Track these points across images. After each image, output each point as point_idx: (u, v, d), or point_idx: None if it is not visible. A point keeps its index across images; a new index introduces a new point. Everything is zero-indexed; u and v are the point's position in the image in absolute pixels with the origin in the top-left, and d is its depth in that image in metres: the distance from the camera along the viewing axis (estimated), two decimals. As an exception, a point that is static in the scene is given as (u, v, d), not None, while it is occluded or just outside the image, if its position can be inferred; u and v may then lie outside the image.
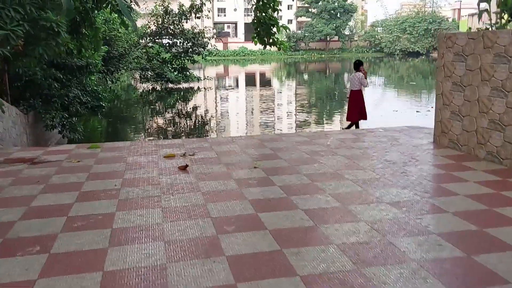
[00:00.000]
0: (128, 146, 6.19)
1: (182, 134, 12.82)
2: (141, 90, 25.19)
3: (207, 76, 30.42)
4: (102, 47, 17.68)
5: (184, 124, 14.81)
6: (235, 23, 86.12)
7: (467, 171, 4.76)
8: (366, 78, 10.12)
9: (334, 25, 76.90)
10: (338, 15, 78.26)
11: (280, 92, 25.54)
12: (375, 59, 72.03)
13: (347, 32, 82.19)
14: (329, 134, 6.97)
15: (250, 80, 36.44)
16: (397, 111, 15.46)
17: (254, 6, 11.49)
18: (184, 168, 4.95)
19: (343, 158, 5.35)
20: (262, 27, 11.32)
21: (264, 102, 21.14)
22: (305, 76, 39.35)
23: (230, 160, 5.35)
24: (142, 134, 12.94)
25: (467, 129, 5.48)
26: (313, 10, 77.74)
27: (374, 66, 57.11)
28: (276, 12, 11.50)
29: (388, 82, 31.85)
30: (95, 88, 10.35)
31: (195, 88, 26.28)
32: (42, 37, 7.22)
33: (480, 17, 6.09)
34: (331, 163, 5.15)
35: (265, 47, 11.86)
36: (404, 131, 7.14)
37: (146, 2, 32.24)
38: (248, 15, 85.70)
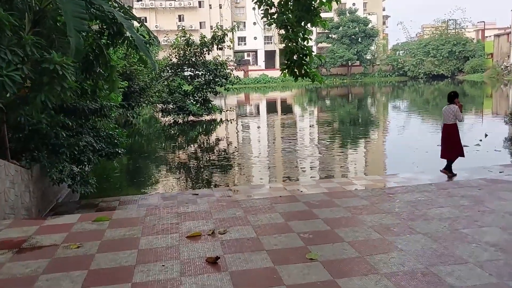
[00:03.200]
0: (142, 218, 4.95)
1: (206, 178, 11.60)
2: (162, 124, 24.31)
3: (230, 108, 29.48)
4: (121, 82, 16.94)
5: (208, 162, 13.60)
6: (255, 51, 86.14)
7: None
8: (461, 111, 8.95)
9: (356, 50, 76.14)
10: (359, 40, 77.55)
11: (312, 126, 24.28)
12: (398, 83, 70.64)
13: (368, 56, 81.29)
14: (392, 194, 5.58)
15: (272, 108, 35.50)
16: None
17: (284, 36, 10.40)
18: (214, 261, 3.68)
19: (427, 240, 3.98)
20: (293, 57, 10.21)
21: (292, 135, 19.90)
22: (331, 102, 38.07)
23: (273, 243, 4.04)
24: (162, 179, 11.78)
25: None
26: (333, 36, 77.22)
27: (398, 90, 55.71)
28: (306, 41, 10.39)
29: (423, 108, 30.34)
30: (110, 132, 9.28)
31: (218, 120, 25.29)
32: (45, 81, 6.15)
33: None
34: (414, 248, 3.79)
35: (296, 79, 10.66)
36: (483, 187, 5.75)
37: (167, 34, 31.87)
38: (268, 43, 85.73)
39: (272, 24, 10.01)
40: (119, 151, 8.98)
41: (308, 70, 10.59)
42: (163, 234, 4.39)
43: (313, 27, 10.64)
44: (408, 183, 8.27)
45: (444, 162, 9.22)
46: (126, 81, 18.06)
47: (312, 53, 10.49)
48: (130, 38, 8.02)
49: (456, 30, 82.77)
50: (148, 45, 8.73)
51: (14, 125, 7.05)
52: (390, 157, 12.87)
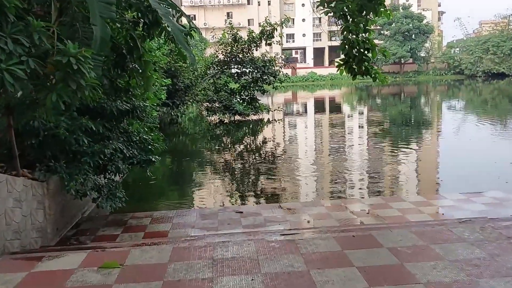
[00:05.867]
0: (165, 266, 3.63)
1: (251, 186, 10.24)
2: (208, 123, 23.27)
3: (277, 107, 28.04)
4: (164, 80, 15.92)
5: (254, 167, 12.21)
6: (304, 49, 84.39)
7: None
8: None
9: (409, 47, 72.96)
10: (413, 37, 74.24)
11: (361, 127, 22.46)
12: (454, 81, 66.86)
13: (422, 54, 77.83)
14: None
15: (321, 107, 33.75)
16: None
17: (343, 26, 8.87)
18: None
19: None
20: (352, 52, 8.67)
21: (341, 138, 18.23)
22: (390, 104, 35.86)
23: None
24: (203, 187, 10.52)
25: None
26: (386, 32, 74.29)
27: (454, 89, 52.38)
28: (368, 33, 8.84)
29: (488, 110, 27.76)
30: (144, 137, 8.11)
31: (265, 119, 23.95)
32: (57, 78, 4.97)
33: None
34: None
35: (354, 78, 9.10)
36: None
37: (213, 30, 30.83)
38: (317, 40, 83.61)
39: (329, 13, 8.53)
40: (153, 159, 7.76)
41: (369, 68, 9.02)
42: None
43: (377, 17, 9.02)
44: (503, 205, 6.61)
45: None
46: (169, 79, 17.11)
47: (376, 47, 8.90)
48: (168, 29, 6.83)
49: (519, 25, 77.72)
50: (188, 36, 7.45)
51: (27, 130, 5.96)
52: (463, 168, 10.98)
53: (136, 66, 7.36)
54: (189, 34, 8.11)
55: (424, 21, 74.55)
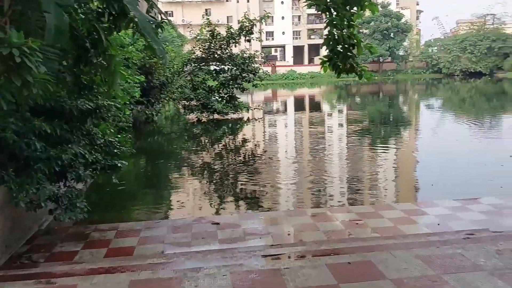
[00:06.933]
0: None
1: (229, 192, 9.53)
2: (185, 122, 22.45)
3: (258, 105, 27.37)
4: (138, 77, 15.04)
5: (232, 171, 11.49)
6: (283, 46, 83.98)
7: None
8: None
9: (388, 45, 73.32)
10: (392, 35, 74.62)
11: (342, 127, 21.99)
12: (433, 80, 67.30)
13: (401, 52, 78.35)
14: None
15: (301, 106, 33.21)
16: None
17: (327, 20, 8.23)
18: None
19: None
20: (336, 48, 8.05)
21: (321, 138, 17.67)
22: (371, 104, 35.57)
23: None
24: (177, 192, 9.76)
25: None
26: (364, 31, 74.29)
27: (433, 88, 52.53)
28: (353, 28, 8.22)
29: (475, 112, 27.64)
30: (110, 139, 7.32)
31: (245, 118, 23.24)
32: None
33: None
34: None
35: (339, 75, 8.46)
36: None
37: (191, 26, 29.96)
38: (297, 38, 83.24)
39: (312, 5, 7.88)
40: (119, 164, 6.98)
41: (354, 64, 8.39)
42: None
43: (362, 11, 8.40)
44: (503, 214, 6.06)
45: None
46: (143, 76, 16.24)
47: (362, 43, 8.25)
48: (136, 20, 6.06)
49: (495, 25, 78.79)
50: (159, 29, 6.70)
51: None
52: (453, 171, 10.48)
53: (102, 61, 6.59)
54: (159, 26, 7.32)
55: (403, 20, 75.04)
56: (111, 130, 7.76)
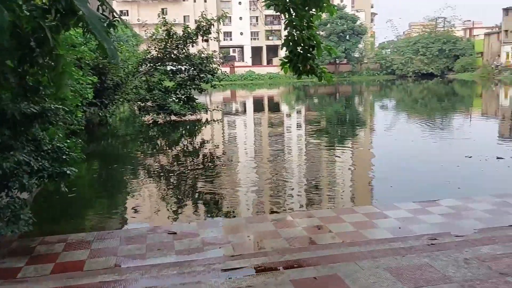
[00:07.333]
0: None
1: (188, 198, 9.20)
2: (141, 124, 21.80)
3: (216, 106, 27.02)
4: (90, 77, 14.41)
5: (190, 175, 11.13)
6: (242, 47, 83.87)
7: None
8: None
9: (344, 47, 74.50)
10: (348, 37, 75.96)
11: (301, 129, 22.00)
12: (386, 81, 69.01)
13: (356, 54, 79.82)
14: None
15: (260, 107, 33.14)
16: (471, 157, 11.58)
17: (287, 21, 8.08)
18: None
19: None
20: (296, 49, 7.90)
21: (280, 138, 17.58)
22: (333, 105, 35.91)
23: None
24: (131, 199, 9.33)
25: None
26: (321, 33, 75.24)
27: (386, 89, 53.82)
28: (312, 29, 8.10)
29: (428, 112, 28.35)
30: (58, 145, 6.85)
31: (203, 120, 22.87)
32: None
33: None
34: None
35: (299, 76, 8.33)
36: None
37: (146, 25, 29.16)
38: (255, 38, 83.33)
39: (271, 5, 7.69)
40: (68, 171, 6.52)
41: (314, 66, 8.27)
42: None
43: (320, 13, 8.28)
44: (462, 216, 6.07)
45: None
46: (96, 76, 15.60)
47: (322, 44, 8.12)
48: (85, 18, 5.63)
49: (446, 28, 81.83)
50: (110, 27, 6.30)
51: None
52: (411, 172, 10.57)
53: (48, 61, 6.13)
54: (111, 25, 6.91)
55: (358, 22, 76.49)
56: (60, 135, 7.27)
